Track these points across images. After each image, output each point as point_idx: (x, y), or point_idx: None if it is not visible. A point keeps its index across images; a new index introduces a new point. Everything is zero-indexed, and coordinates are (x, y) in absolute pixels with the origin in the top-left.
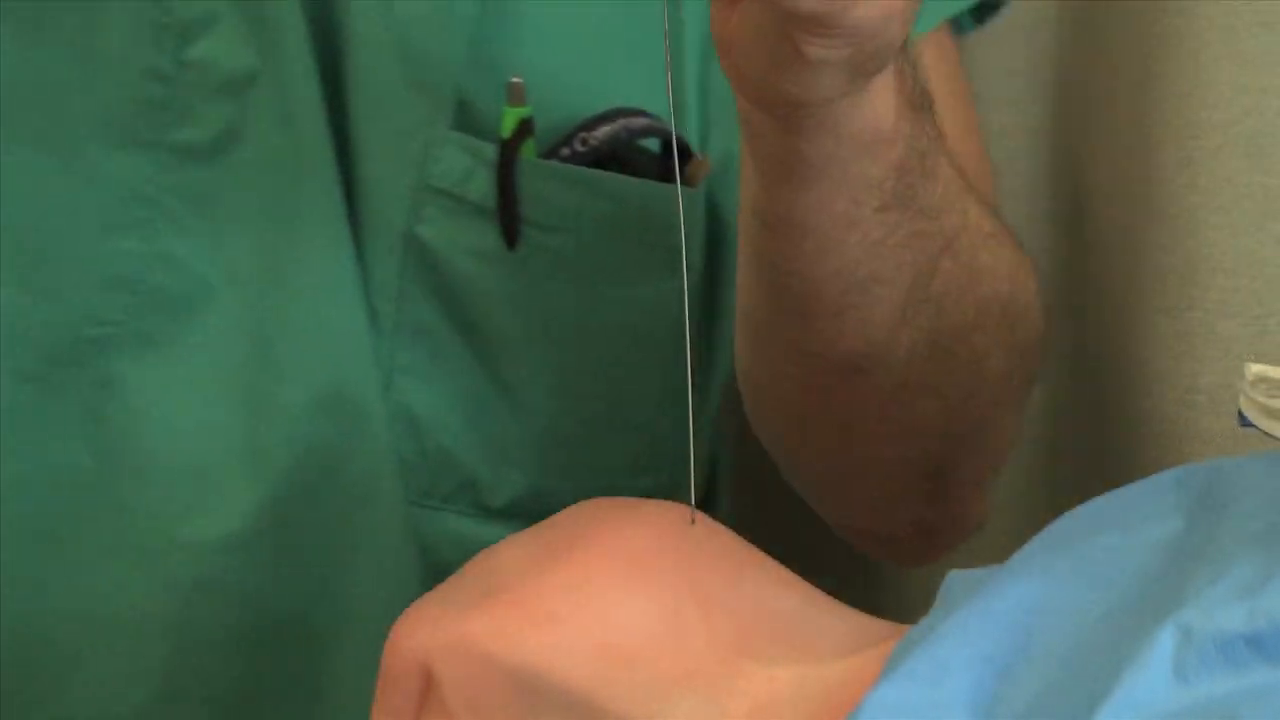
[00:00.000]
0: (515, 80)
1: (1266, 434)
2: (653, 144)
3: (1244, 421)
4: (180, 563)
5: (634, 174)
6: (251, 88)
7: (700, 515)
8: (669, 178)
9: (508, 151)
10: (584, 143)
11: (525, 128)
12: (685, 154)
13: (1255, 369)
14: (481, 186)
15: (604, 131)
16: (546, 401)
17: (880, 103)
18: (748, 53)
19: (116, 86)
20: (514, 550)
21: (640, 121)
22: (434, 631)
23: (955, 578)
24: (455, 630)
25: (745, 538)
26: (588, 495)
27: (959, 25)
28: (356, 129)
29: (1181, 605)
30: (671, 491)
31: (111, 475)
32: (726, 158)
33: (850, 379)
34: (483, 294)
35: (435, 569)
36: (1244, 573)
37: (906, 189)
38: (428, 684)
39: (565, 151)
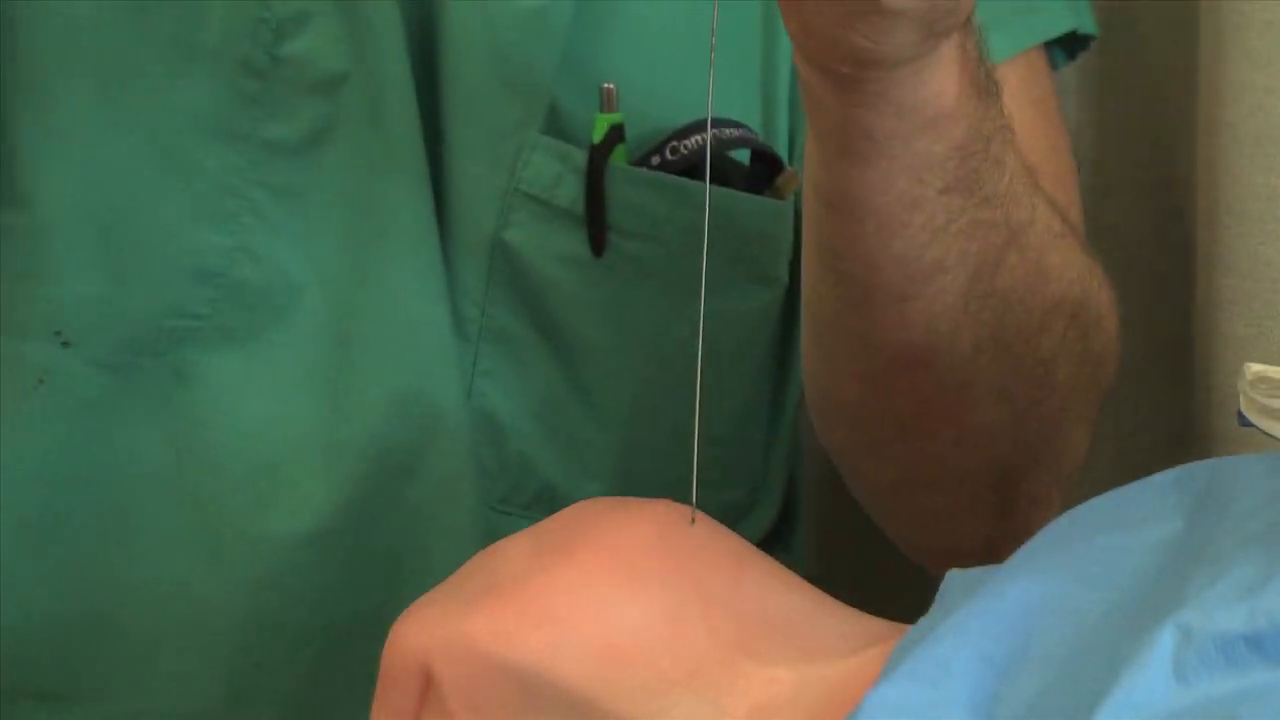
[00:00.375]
0: (608, 86)
1: (1266, 434)
2: (744, 155)
3: (1244, 421)
4: (251, 559)
5: (724, 185)
6: (344, 86)
7: (700, 515)
8: (759, 189)
9: (597, 157)
10: (674, 151)
11: (616, 134)
12: (775, 166)
13: (1255, 369)
14: (570, 192)
15: (695, 141)
16: (628, 411)
17: (943, 77)
18: (820, 5)
19: (212, 79)
20: (515, 549)
21: (732, 132)
22: (434, 631)
23: (955, 577)
24: (455, 630)
25: (824, 550)
26: None
27: (1051, 59)
28: (448, 131)
29: (1181, 605)
30: (750, 507)
31: (185, 468)
32: None
33: (913, 374)
34: (568, 300)
35: None
36: (1244, 573)
37: (970, 173)
38: (428, 684)
39: (655, 160)
